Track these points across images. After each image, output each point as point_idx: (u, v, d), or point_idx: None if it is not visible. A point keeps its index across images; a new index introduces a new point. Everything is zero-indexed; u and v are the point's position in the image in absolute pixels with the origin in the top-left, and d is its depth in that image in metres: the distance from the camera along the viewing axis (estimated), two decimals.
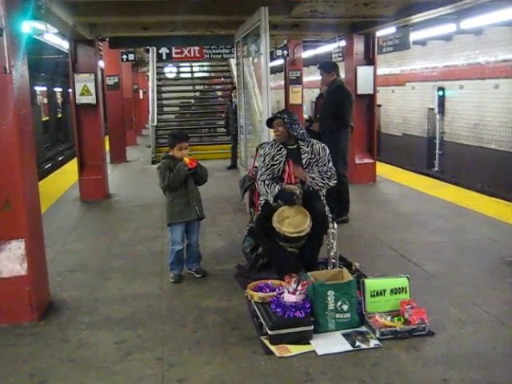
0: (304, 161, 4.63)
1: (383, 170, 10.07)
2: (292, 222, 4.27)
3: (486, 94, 13.53)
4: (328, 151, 4.71)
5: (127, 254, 5.53)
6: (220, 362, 3.28)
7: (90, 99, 8.25)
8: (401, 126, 18.54)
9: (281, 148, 4.67)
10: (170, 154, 4.67)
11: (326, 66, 6.59)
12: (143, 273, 4.96)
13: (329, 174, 4.59)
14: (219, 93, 17.92)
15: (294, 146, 4.68)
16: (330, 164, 4.67)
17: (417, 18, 7.48)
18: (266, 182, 4.54)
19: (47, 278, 4.36)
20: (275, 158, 4.64)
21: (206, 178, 4.78)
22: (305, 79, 15.15)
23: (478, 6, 7.15)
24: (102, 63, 12.60)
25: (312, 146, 4.68)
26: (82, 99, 8.24)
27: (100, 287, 4.63)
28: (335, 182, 4.65)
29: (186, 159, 4.56)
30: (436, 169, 16.11)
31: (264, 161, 4.67)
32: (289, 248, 4.40)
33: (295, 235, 4.24)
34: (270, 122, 4.76)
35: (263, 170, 4.65)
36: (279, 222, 4.27)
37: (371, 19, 8.07)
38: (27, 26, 6.96)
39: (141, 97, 22.06)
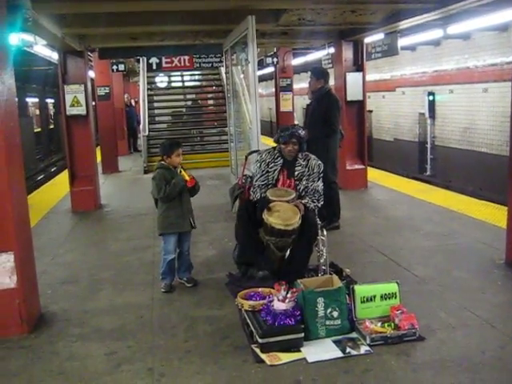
0: (296, 173, 4.67)
1: (374, 175, 10.10)
2: (281, 216, 4.28)
3: (476, 97, 13.61)
4: (322, 169, 4.73)
5: (118, 265, 5.52)
6: (211, 371, 3.27)
7: (81, 110, 8.23)
8: (392, 131, 18.60)
9: (277, 157, 4.71)
10: (164, 163, 4.64)
11: (317, 71, 6.61)
12: (134, 283, 4.95)
13: (317, 195, 4.63)
14: (211, 101, 17.95)
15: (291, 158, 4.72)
16: (319, 182, 4.68)
17: (404, 24, 7.54)
18: (259, 190, 4.63)
19: (37, 291, 4.33)
20: (270, 166, 4.70)
21: (198, 191, 4.79)
22: (296, 86, 15.22)
23: (463, 11, 7.20)
24: (92, 74, 12.60)
25: (308, 160, 4.71)
26: (72, 110, 8.23)
27: (91, 299, 4.61)
28: (322, 202, 4.70)
29: (186, 176, 4.56)
30: (428, 173, 16.16)
31: (260, 167, 4.73)
32: (273, 245, 4.40)
33: (282, 227, 4.25)
34: (286, 138, 4.62)
35: (258, 175, 4.72)
36: (268, 214, 4.28)
37: (359, 26, 8.13)
38: (15, 39, 6.97)
39: None
